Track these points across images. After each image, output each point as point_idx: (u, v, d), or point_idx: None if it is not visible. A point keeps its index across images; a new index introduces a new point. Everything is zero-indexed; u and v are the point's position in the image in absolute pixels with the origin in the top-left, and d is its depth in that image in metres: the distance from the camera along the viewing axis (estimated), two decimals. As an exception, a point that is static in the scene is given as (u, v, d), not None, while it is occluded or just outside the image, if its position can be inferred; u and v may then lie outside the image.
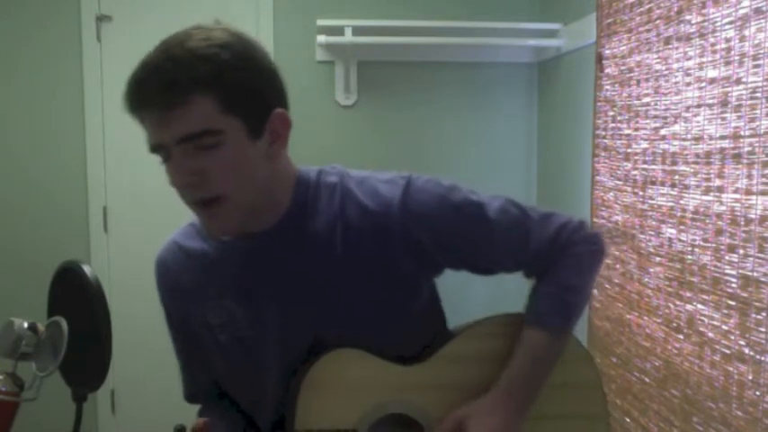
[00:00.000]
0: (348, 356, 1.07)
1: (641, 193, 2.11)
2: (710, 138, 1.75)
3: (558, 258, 1.13)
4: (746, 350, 1.62)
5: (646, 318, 2.08)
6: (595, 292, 2.37)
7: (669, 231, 1.95)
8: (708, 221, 1.77)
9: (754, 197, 1.59)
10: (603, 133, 2.37)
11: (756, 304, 1.58)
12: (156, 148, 0.98)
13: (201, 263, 1.13)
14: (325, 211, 1.08)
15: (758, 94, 1.57)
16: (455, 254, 1.11)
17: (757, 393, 1.58)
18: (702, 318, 1.79)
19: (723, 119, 1.70)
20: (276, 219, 1.07)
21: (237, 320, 1.11)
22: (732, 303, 1.67)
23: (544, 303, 1.13)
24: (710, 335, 1.75)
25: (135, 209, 3.10)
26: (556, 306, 1.13)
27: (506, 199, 1.13)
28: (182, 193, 1.00)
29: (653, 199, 2.04)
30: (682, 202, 1.89)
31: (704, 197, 1.78)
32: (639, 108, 2.12)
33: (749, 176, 1.61)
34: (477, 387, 1.12)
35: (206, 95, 0.94)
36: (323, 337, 1.09)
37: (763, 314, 1.56)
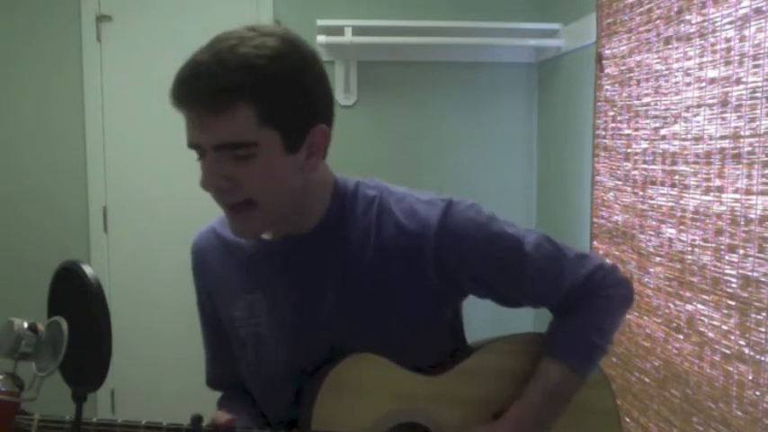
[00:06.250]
0: (369, 361, 1.08)
1: (641, 193, 2.11)
2: (710, 138, 1.75)
3: (590, 299, 1.13)
4: (746, 350, 1.62)
5: (646, 318, 2.08)
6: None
7: (669, 231, 1.95)
8: (708, 221, 1.77)
9: (754, 197, 1.59)
10: (603, 133, 2.37)
11: (756, 304, 1.58)
12: (193, 145, 0.99)
13: (237, 255, 1.14)
14: (359, 223, 1.08)
15: (758, 94, 1.57)
16: (484, 283, 1.10)
17: (757, 393, 1.58)
18: (702, 318, 1.79)
19: (723, 119, 1.70)
20: (312, 225, 1.08)
21: (258, 317, 1.12)
22: (732, 303, 1.67)
23: (571, 340, 1.12)
24: (710, 335, 1.75)
25: (135, 209, 3.10)
26: (582, 345, 1.12)
27: (542, 235, 1.12)
28: (212, 195, 1.01)
29: (653, 199, 2.04)
30: (682, 202, 1.89)
31: (704, 197, 1.78)
32: (639, 108, 2.12)
33: (749, 176, 1.60)
34: (495, 403, 1.11)
35: (247, 106, 0.94)
36: (338, 344, 1.09)
37: (763, 314, 1.56)
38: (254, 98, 0.94)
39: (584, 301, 1.12)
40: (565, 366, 1.11)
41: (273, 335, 1.11)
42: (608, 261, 1.17)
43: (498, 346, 1.16)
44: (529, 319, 2.51)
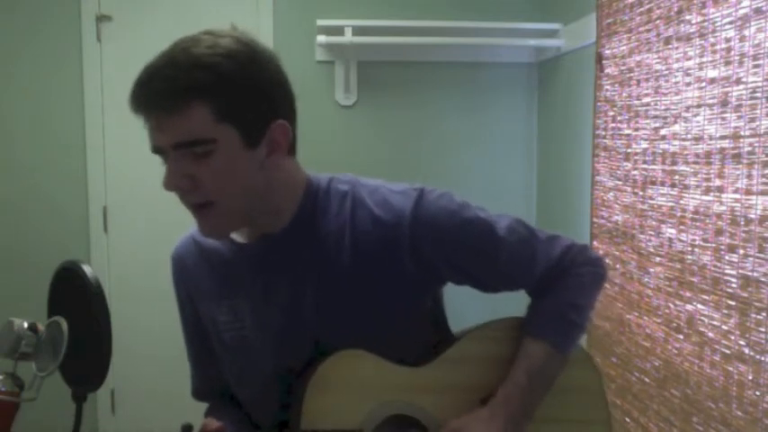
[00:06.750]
0: (355, 357, 1.08)
1: (641, 193, 2.11)
2: (710, 138, 1.75)
3: (563, 278, 1.14)
4: (746, 350, 1.62)
5: (646, 318, 2.08)
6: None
7: (669, 231, 1.95)
8: (708, 221, 1.77)
9: (754, 197, 1.59)
10: (603, 133, 2.37)
11: (756, 304, 1.58)
12: (155, 149, 1.00)
13: (215, 261, 1.15)
14: (334, 218, 1.09)
15: (758, 94, 1.57)
16: (460, 269, 1.11)
17: (757, 393, 1.58)
18: (702, 318, 1.79)
19: (723, 119, 1.70)
20: (284, 224, 1.09)
21: (243, 320, 1.12)
22: (732, 303, 1.67)
23: (547, 319, 1.14)
24: (710, 335, 1.75)
25: (135, 209, 3.10)
26: (559, 323, 1.13)
27: (514, 218, 1.14)
28: (177, 196, 1.02)
29: (653, 199, 2.04)
30: (682, 202, 1.89)
31: (704, 197, 1.78)
32: (639, 108, 2.12)
33: (749, 176, 1.61)
34: (481, 389, 1.12)
35: (202, 104, 0.95)
36: (323, 341, 1.09)
37: (763, 314, 1.56)
38: (209, 96, 0.95)
39: (556, 281, 1.14)
40: (545, 344, 1.12)
41: (258, 337, 1.11)
42: (578, 241, 1.18)
43: (481, 333, 1.17)
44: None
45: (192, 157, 0.97)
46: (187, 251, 1.19)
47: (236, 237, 1.12)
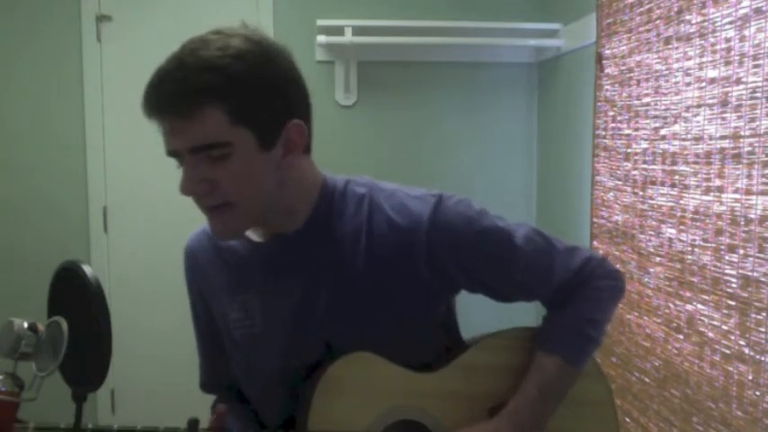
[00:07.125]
0: (364, 360, 1.07)
1: (641, 193, 2.11)
2: (710, 138, 1.75)
3: (581, 291, 1.13)
4: (746, 350, 1.62)
5: (646, 318, 2.08)
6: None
7: (669, 231, 1.95)
8: (708, 221, 1.77)
9: (754, 197, 1.59)
10: (603, 133, 2.37)
11: (756, 304, 1.58)
12: (171, 153, 1.00)
13: (228, 257, 1.14)
14: (350, 220, 1.08)
15: (758, 94, 1.57)
16: (476, 277, 1.10)
17: (757, 393, 1.58)
18: (702, 318, 1.79)
19: (723, 119, 1.70)
20: (298, 225, 1.08)
21: (253, 317, 1.12)
22: (732, 303, 1.67)
23: (563, 333, 1.12)
24: (710, 335, 1.75)
25: (135, 209, 3.10)
26: (575, 337, 1.12)
27: (532, 228, 1.13)
28: (193, 199, 1.01)
29: (653, 199, 2.04)
30: (682, 202, 1.89)
31: (704, 197, 1.78)
32: (639, 108, 2.12)
33: (749, 176, 1.61)
34: (489, 398, 1.12)
35: (215, 107, 0.94)
36: (333, 343, 1.09)
37: (763, 314, 1.56)
38: (220, 98, 0.94)
39: (574, 294, 1.13)
40: (559, 359, 1.11)
41: (268, 336, 1.11)
42: (597, 253, 1.16)
43: (492, 342, 1.16)
44: (533, 317, 2.51)
45: (208, 161, 0.96)
46: (199, 246, 1.18)
47: (251, 235, 1.11)
